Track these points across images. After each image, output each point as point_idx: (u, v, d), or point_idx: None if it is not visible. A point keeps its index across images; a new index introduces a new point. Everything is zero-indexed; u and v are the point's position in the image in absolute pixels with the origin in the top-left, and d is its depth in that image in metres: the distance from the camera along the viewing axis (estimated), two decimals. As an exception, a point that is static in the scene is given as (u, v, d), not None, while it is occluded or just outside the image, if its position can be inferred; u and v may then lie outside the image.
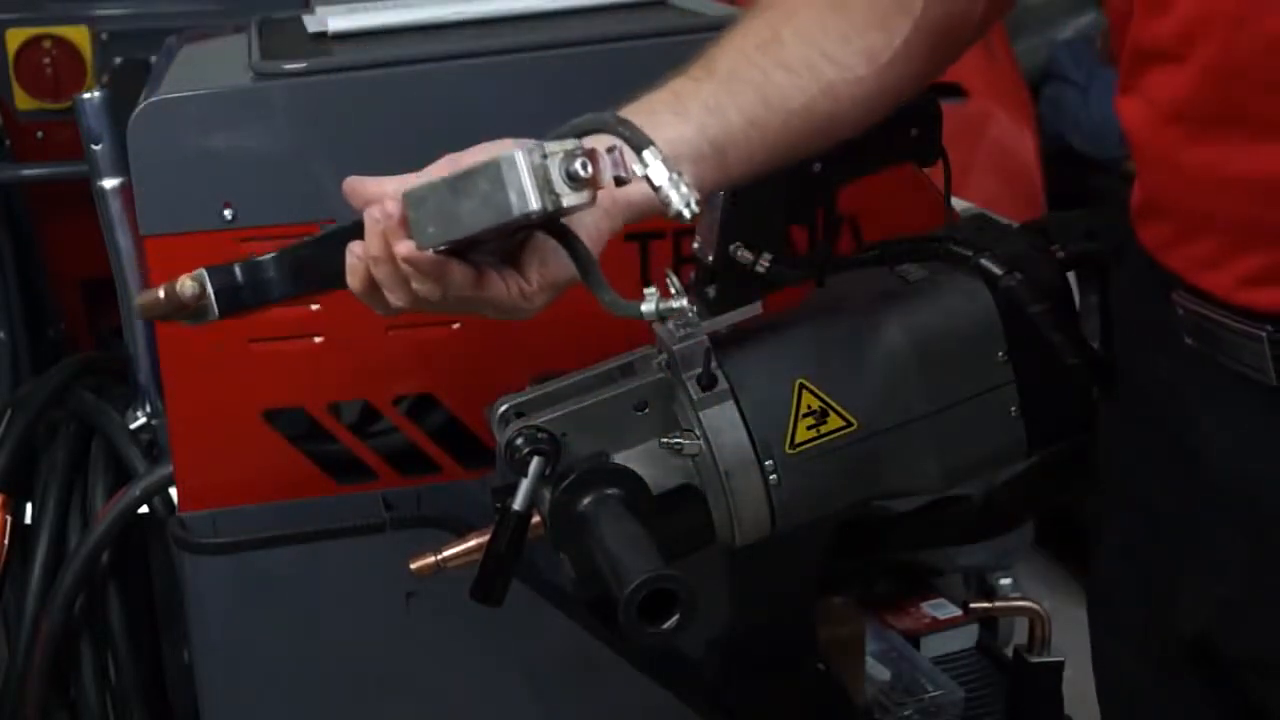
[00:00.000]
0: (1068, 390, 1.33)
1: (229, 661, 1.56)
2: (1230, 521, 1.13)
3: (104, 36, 2.27)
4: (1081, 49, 3.66)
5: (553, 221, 1.09)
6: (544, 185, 1.04)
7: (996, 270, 1.28)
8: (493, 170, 1.04)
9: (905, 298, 1.31)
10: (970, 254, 1.28)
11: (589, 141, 1.07)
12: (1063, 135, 3.55)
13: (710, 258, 1.28)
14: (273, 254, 1.19)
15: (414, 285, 1.12)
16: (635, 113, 1.16)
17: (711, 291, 1.28)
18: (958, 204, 1.52)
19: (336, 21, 1.60)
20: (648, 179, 1.05)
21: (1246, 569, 1.13)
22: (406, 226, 1.09)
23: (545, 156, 1.05)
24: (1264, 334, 1.05)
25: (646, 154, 1.06)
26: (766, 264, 1.26)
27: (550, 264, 1.14)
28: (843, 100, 1.23)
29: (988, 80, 3.24)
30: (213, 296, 1.17)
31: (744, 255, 1.26)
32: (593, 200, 1.06)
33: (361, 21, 1.61)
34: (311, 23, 1.63)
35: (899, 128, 1.33)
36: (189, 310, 1.17)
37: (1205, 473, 1.14)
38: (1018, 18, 3.65)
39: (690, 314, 1.15)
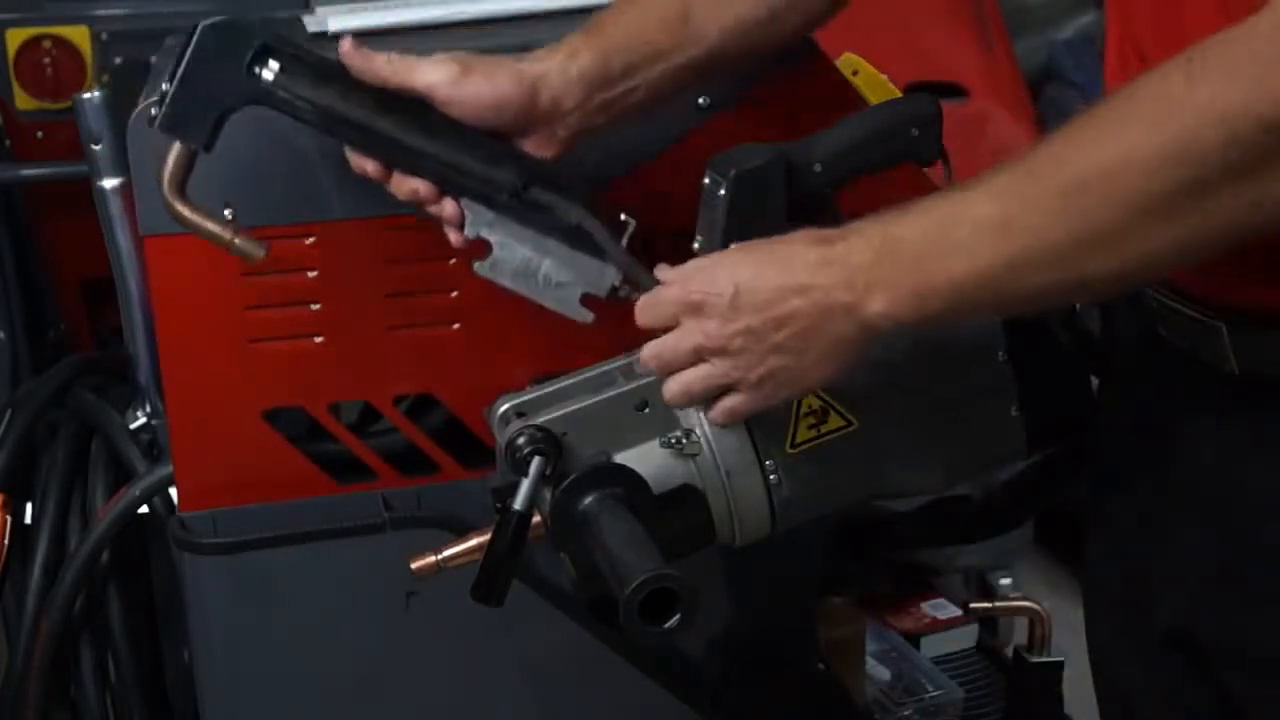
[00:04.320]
0: (1068, 390, 1.33)
1: (229, 661, 1.56)
2: (1199, 513, 1.14)
3: (104, 36, 2.26)
4: (1081, 49, 3.65)
5: None
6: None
7: (998, 270, 1.27)
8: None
9: (905, 298, 1.31)
10: (971, 254, 1.28)
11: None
12: (1063, 135, 3.54)
13: (710, 258, 1.27)
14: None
15: None
16: None
17: (712, 291, 1.28)
18: (958, 204, 1.51)
19: (336, 21, 1.60)
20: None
21: (1215, 562, 1.14)
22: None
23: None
24: (1223, 325, 1.08)
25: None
26: (766, 264, 1.26)
27: None
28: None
29: (988, 80, 3.24)
30: None
31: (744, 255, 1.26)
32: None
33: (361, 21, 1.61)
34: (311, 23, 1.63)
35: (899, 128, 1.33)
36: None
37: (1177, 464, 1.15)
38: (1018, 18, 3.64)
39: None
